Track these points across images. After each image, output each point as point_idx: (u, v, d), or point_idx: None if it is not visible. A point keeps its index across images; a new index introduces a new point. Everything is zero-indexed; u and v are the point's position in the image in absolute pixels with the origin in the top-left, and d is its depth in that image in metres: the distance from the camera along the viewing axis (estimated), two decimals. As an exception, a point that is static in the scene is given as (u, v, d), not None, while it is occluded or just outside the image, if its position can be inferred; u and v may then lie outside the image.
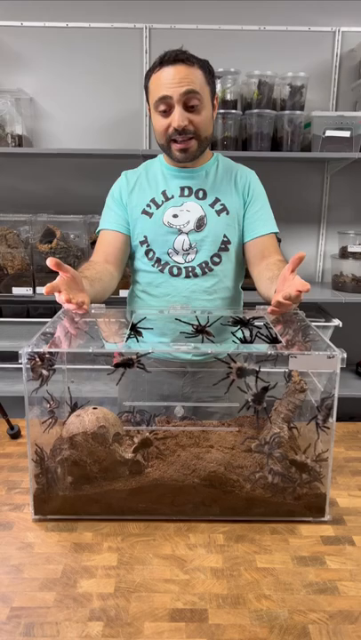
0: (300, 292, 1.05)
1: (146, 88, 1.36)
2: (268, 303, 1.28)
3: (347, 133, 2.27)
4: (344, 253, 2.50)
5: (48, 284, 1.06)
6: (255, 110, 2.28)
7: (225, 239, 1.40)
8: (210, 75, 1.34)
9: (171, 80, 1.27)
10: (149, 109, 1.40)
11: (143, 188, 1.44)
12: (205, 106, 1.32)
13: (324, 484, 1.01)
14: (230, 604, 0.81)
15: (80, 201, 2.50)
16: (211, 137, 1.40)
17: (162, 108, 1.30)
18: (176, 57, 1.27)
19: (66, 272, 1.11)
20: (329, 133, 2.27)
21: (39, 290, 2.29)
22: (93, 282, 1.27)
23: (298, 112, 2.30)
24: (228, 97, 2.33)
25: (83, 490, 1.00)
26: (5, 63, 2.45)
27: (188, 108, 1.29)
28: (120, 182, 1.47)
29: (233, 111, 2.29)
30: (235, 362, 1.00)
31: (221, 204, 1.41)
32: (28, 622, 0.77)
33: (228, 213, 1.41)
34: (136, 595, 0.83)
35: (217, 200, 1.41)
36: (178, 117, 1.28)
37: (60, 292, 1.07)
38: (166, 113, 1.30)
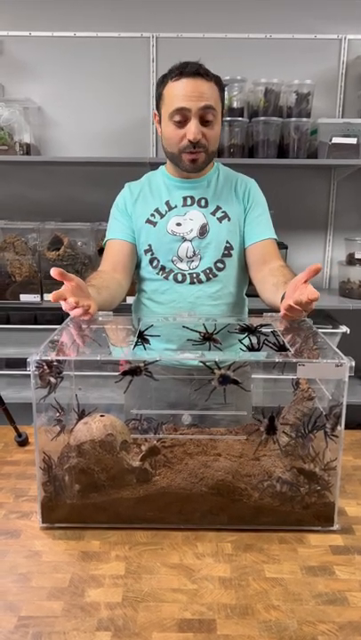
0: (310, 300, 1.04)
1: (159, 95, 1.37)
2: (272, 309, 1.28)
3: (353, 140, 2.27)
4: (351, 260, 2.49)
5: (54, 292, 1.07)
6: (262, 118, 2.28)
7: (228, 245, 1.42)
8: (222, 91, 1.38)
9: (191, 93, 1.29)
10: (156, 115, 1.41)
11: (147, 198, 1.46)
12: (218, 121, 1.36)
13: (332, 493, 1.00)
14: (239, 614, 0.81)
15: (87, 208, 2.52)
16: (216, 151, 1.43)
17: (177, 118, 1.32)
18: (197, 71, 1.30)
19: (70, 280, 1.11)
20: (335, 140, 2.27)
21: (47, 297, 2.29)
22: (101, 290, 1.28)
23: (304, 119, 2.30)
24: (235, 104, 2.34)
25: (90, 498, 1.00)
26: (14, 72, 2.48)
27: (204, 122, 1.32)
28: (124, 193, 1.50)
29: (239, 119, 2.30)
30: (219, 368, 1.00)
31: (223, 212, 1.43)
32: (35, 632, 0.77)
33: (229, 220, 1.42)
34: (144, 604, 0.82)
35: (218, 208, 1.43)
36: (194, 130, 1.31)
37: (65, 299, 1.08)
38: (181, 124, 1.33)
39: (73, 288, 1.12)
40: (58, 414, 1.05)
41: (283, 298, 1.20)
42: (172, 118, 1.33)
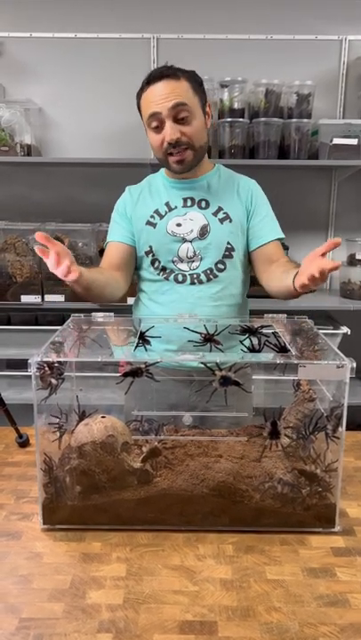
0: (333, 268, 1.06)
1: (138, 108, 1.40)
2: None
3: (354, 141, 2.27)
4: (352, 261, 2.49)
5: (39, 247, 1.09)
6: (262, 118, 2.28)
7: (228, 246, 1.42)
8: (198, 84, 1.37)
9: (158, 96, 1.30)
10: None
11: (146, 200, 1.47)
12: (196, 116, 1.34)
13: (333, 495, 1.00)
14: (240, 616, 0.80)
15: (88, 209, 2.52)
16: (206, 145, 1.43)
17: (154, 124, 1.33)
18: (161, 74, 1.31)
19: (54, 245, 1.12)
20: (336, 141, 2.26)
21: (48, 298, 2.30)
22: (91, 271, 1.30)
23: (305, 120, 2.30)
24: (236, 105, 2.33)
25: (91, 499, 1.00)
26: (15, 73, 2.48)
27: (179, 120, 1.32)
28: (124, 197, 1.51)
29: (240, 119, 2.30)
30: (220, 369, 1.00)
31: (224, 213, 1.43)
32: (37, 633, 0.77)
33: (231, 221, 1.43)
34: (145, 606, 0.82)
35: (220, 209, 1.43)
36: (169, 132, 1.32)
37: (47, 256, 1.10)
38: (158, 128, 1.34)
39: (56, 253, 1.12)
40: (58, 420, 1.04)
41: (295, 276, 1.20)
42: (150, 126, 1.35)
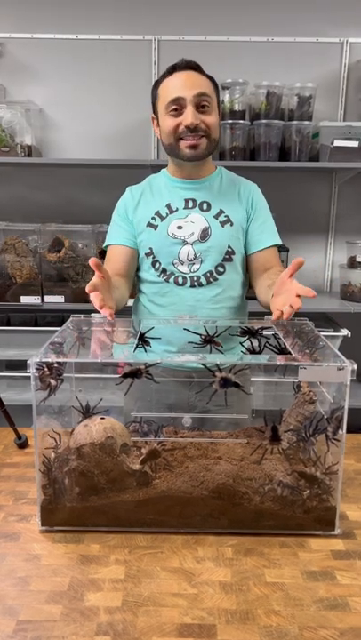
0: (298, 295, 1.07)
1: (154, 96, 1.41)
2: (269, 311, 1.28)
3: (355, 143, 2.27)
4: (352, 263, 2.49)
5: (90, 283, 1.09)
6: (263, 120, 2.28)
7: (229, 249, 1.42)
8: (216, 87, 1.41)
9: (184, 83, 1.34)
10: (154, 119, 1.45)
11: (148, 201, 1.46)
12: (214, 110, 1.39)
13: (334, 497, 0.99)
14: (239, 619, 0.80)
15: (88, 211, 2.52)
16: (218, 142, 1.46)
17: (173, 107, 1.35)
18: (188, 64, 1.37)
19: (104, 274, 1.14)
20: (337, 143, 2.27)
21: (47, 299, 2.30)
22: (114, 290, 1.29)
23: (306, 122, 2.31)
24: (237, 107, 2.34)
25: (90, 501, 0.99)
26: (16, 74, 2.48)
27: (200, 108, 1.35)
28: (125, 198, 1.50)
29: (241, 121, 2.30)
30: (220, 371, 0.99)
31: (225, 216, 1.43)
32: (34, 636, 0.76)
33: (232, 225, 1.43)
34: (144, 609, 0.81)
35: (221, 212, 1.43)
36: (191, 115, 1.34)
37: (98, 290, 1.09)
38: (177, 112, 1.36)
39: (104, 282, 1.14)
40: (55, 442, 1.04)
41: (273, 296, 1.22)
42: (168, 110, 1.36)
